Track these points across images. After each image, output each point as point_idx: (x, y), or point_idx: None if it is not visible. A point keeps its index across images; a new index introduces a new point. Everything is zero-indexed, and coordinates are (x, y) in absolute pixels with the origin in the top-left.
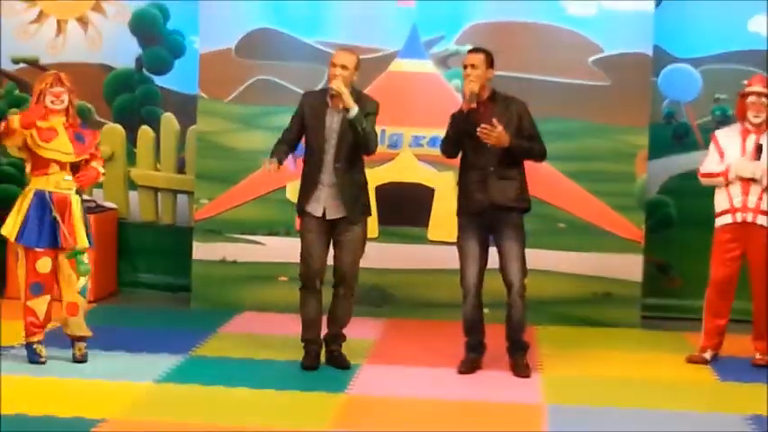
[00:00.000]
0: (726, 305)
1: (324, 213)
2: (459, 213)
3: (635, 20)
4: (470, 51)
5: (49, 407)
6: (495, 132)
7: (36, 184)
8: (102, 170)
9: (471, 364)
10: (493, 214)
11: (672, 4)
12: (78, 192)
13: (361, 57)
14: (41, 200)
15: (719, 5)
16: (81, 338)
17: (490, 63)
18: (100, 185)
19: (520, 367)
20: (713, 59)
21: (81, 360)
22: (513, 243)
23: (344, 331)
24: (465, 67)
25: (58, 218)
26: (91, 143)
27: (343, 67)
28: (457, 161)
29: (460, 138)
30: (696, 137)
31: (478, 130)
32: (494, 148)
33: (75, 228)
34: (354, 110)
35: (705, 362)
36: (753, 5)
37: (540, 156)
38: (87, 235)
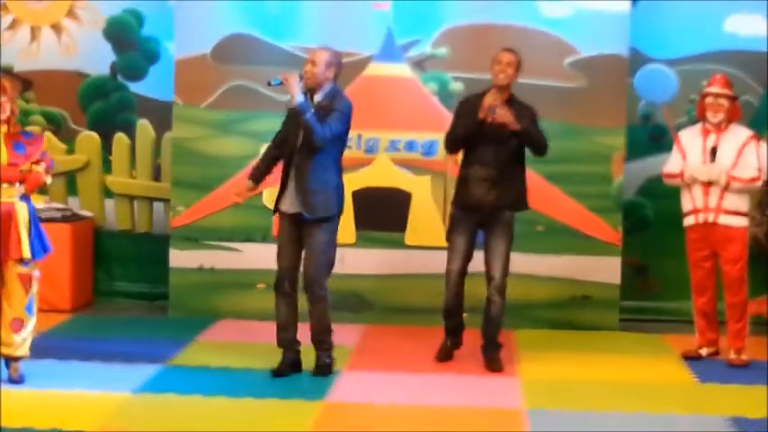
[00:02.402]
0: (708, 302)
1: (290, 209)
2: (455, 206)
3: (610, 21)
4: (505, 50)
5: (26, 419)
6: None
7: None
8: (40, 170)
9: (448, 351)
10: (487, 212)
11: (647, 5)
12: (25, 198)
13: None
14: None
15: (695, 6)
16: (17, 359)
17: (519, 66)
18: (75, 193)
19: (493, 361)
20: (689, 60)
21: (17, 381)
22: (501, 241)
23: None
24: (499, 62)
25: None
26: (32, 152)
27: (313, 63)
28: (434, 165)
29: (470, 137)
30: (673, 138)
31: (489, 113)
32: (499, 148)
33: (20, 238)
34: (298, 98)
35: (700, 357)
36: (728, 6)
37: (545, 147)
38: (36, 243)
